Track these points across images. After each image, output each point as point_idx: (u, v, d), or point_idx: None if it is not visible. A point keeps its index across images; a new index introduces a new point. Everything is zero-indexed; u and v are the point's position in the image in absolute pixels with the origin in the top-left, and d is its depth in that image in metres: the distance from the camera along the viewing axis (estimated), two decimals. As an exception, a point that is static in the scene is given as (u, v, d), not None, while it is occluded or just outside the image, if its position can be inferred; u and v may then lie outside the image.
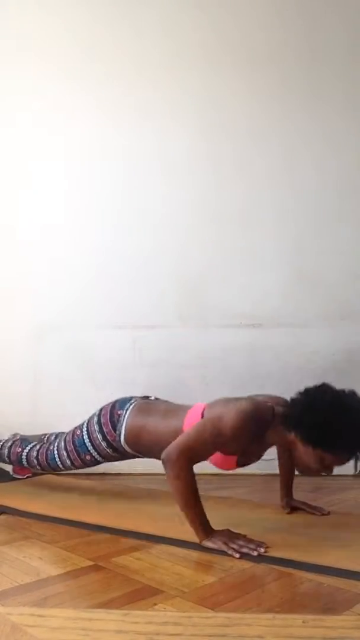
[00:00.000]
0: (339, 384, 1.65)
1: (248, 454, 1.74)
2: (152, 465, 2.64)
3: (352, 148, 2.79)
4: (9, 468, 2.61)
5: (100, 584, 1.35)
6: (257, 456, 1.80)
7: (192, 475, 1.57)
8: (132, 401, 2.00)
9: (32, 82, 2.94)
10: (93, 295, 2.84)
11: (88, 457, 2.06)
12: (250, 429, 1.61)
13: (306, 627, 1.09)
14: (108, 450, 2.01)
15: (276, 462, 2.02)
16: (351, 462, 1.56)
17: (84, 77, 2.91)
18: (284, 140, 2.82)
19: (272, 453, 2.01)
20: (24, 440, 2.31)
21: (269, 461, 2.03)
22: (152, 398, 2.09)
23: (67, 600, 1.26)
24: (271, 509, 1.99)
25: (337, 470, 2.69)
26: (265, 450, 1.80)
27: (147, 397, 2.08)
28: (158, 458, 2.03)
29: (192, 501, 1.55)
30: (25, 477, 2.60)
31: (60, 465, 2.15)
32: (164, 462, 1.58)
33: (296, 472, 2.01)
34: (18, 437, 2.38)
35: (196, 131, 2.86)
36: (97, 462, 2.11)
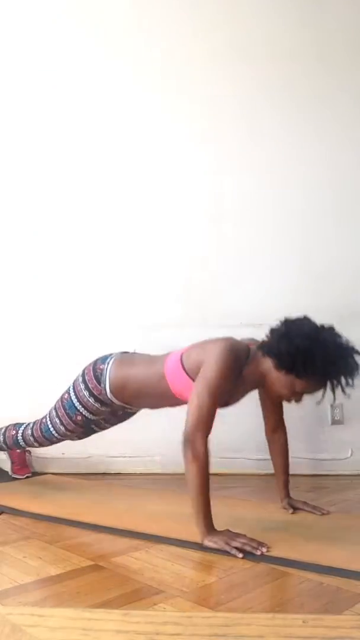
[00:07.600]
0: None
1: (230, 394, 1.79)
2: (152, 465, 2.66)
3: (357, 144, 2.78)
4: (8, 468, 2.62)
5: (100, 584, 1.35)
6: (237, 397, 1.86)
7: (207, 460, 1.59)
8: (112, 355, 2.06)
9: (31, 75, 2.93)
10: (93, 295, 2.84)
11: (79, 418, 2.08)
12: (232, 365, 1.68)
13: (306, 627, 1.09)
14: (96, 405, 2.03)
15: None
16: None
17: (84, 72, 2.91)
18: (289, 138, 2.81)
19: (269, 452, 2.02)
20: (17, 423, 2.33)
21: (269, 461, 2.04)
22: (132, 352, 2.13)
23: (67, 600, 1.26)
24: (271, 509, 1.99)
25: (336, 469, 2.69)
26: (244, 390, 1.85)
27: (126, 352, 2.12)
28: (146, 407, 2.08)
29: (203, 489, 1.57)
30: (24, 476, 2.61)
31: (55, 433, 2.16)
32: (183, 445, 1.61)
33: (292, 472, 2.02)
34: (11, 424, 2.39)
35: (198, 130, 2.85)
36: (90, 423, 2.13)
